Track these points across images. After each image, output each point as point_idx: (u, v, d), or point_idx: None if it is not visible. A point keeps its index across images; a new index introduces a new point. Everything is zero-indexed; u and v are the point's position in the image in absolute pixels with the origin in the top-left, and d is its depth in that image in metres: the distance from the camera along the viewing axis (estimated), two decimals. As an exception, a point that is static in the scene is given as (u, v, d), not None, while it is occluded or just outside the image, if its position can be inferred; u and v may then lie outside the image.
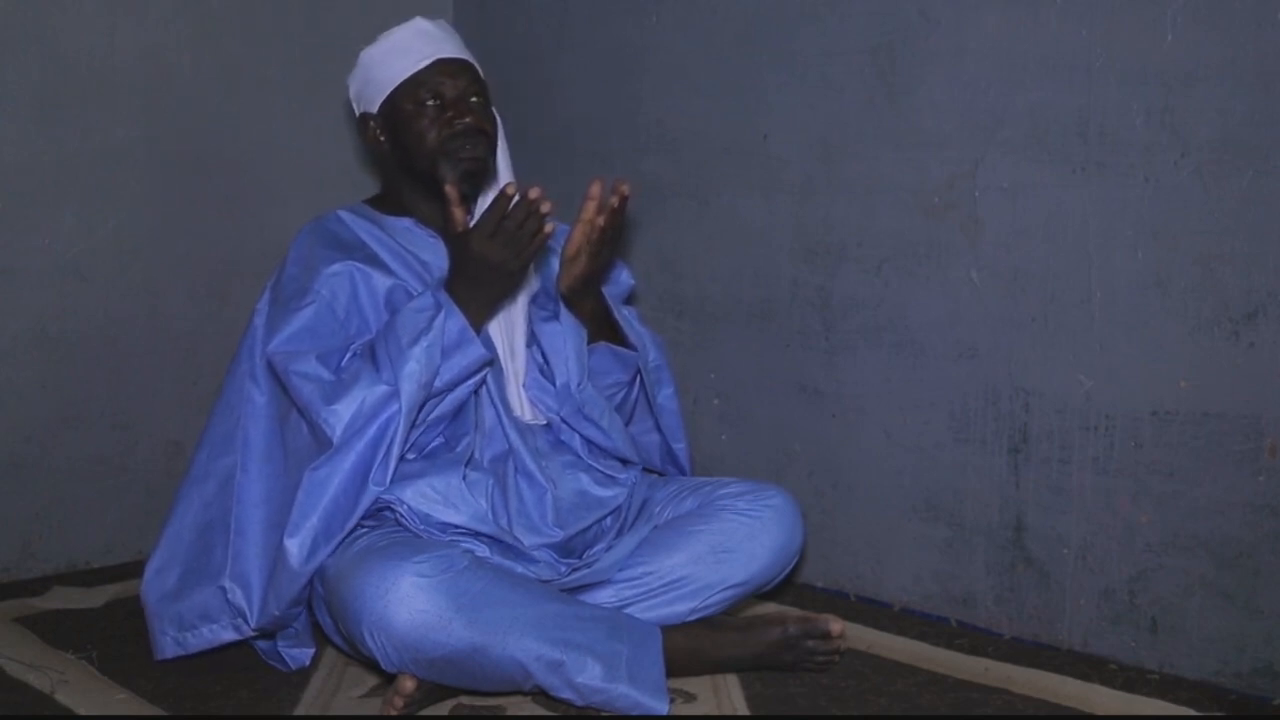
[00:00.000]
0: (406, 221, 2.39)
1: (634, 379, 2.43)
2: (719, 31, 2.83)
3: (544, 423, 2.37)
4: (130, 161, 2.92)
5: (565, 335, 2.32)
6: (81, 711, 2.10)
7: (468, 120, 2.30)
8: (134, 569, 2.87)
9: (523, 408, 2.34)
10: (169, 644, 2.27)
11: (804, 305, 2.71)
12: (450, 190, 2.16)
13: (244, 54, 3.08)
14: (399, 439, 2.09)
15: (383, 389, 2.09)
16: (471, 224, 2.15)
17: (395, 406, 2.08)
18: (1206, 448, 2.17)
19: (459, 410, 2.23)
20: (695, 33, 2.88)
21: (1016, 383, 2.39)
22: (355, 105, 2.43)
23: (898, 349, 2.57)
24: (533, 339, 2.37)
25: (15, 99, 2.77)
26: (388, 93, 2.34)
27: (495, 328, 2.30)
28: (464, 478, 2.20)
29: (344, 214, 2.39)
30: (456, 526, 2.17)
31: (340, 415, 2.09)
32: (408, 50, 2.34)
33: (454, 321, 2.12)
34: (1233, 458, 2.14)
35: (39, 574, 2.83)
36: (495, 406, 2.30)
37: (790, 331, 2.74)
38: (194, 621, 2.26)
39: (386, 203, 2.43)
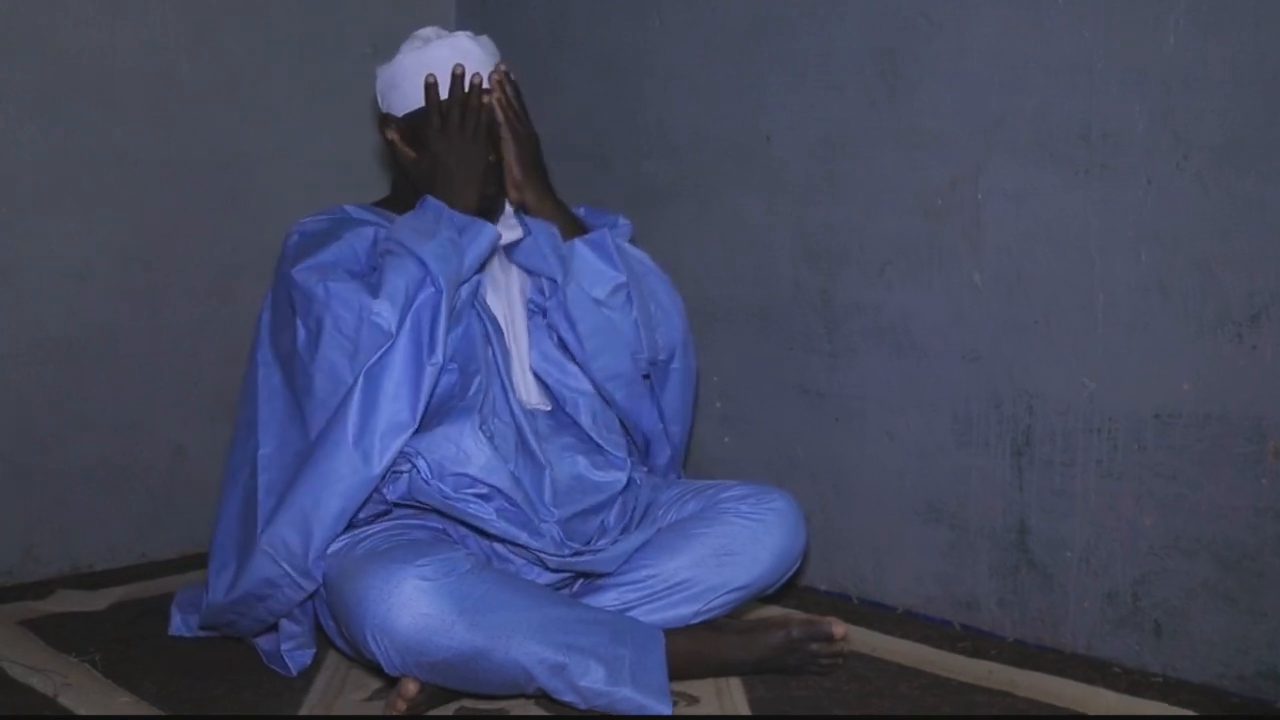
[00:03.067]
0: None
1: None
2: (720, 33, 2.83)
3: (547, 409, 2.37)
4: (131, 164, 2.92)
5: (537, 236, 2.33)
6: (84, 714, 2.10)
7: (490, 158, 2.33)
8: (137, 572, 2.88)
9: (527, 391, 2.34)
10: (263, 614, 2.22)
11: (806, 308, 2.71)
12: (394, 138, 2.34)
13: (244, 56, 3.08)
14: (444, 314, 2.12)
15: (416, 269, 2.12)
16: None
17: (431, 286, 2.12)
18: (1210, 451, 2.17)
19: (465, 341, 2.25)
20: (696, 34, 2.87)
21: (1019, 386, 2.39)
22: (380, 99, 2.41)
23: (900, 352, 2.56)
24: (533, 316, 2.39)
25: (16, 102, 2.77)
26: (413, 108, 2.33)
27: (495, 306, 2.32)
28: (481, 426, 2.19)
29: (349, 207, 2.39)
30: (468, 477, 2.15)
31: (393, 300, 2.11)
32: (443, 68, 2.30)
33: (452, 211, 2.22)
34: (1236, 461, 2.14)
35: (42, 577, 2.83)
36: (501, 379, 2.30)
37: (792, 334, 2.74)
38: (264, 593, 2.18)
39: (394, 204, 2.43)
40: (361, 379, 2.09)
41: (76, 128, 2.85)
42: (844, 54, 2.61)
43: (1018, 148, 2.36)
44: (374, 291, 2.12)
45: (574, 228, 2.39)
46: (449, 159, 2.28)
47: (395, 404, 2.10)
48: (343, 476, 2.09)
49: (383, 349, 2.10)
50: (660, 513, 2.37)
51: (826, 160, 2.66)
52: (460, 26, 3.32)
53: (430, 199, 2.24)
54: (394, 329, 2.10)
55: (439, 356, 2.12)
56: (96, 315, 2.89)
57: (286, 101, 3.15)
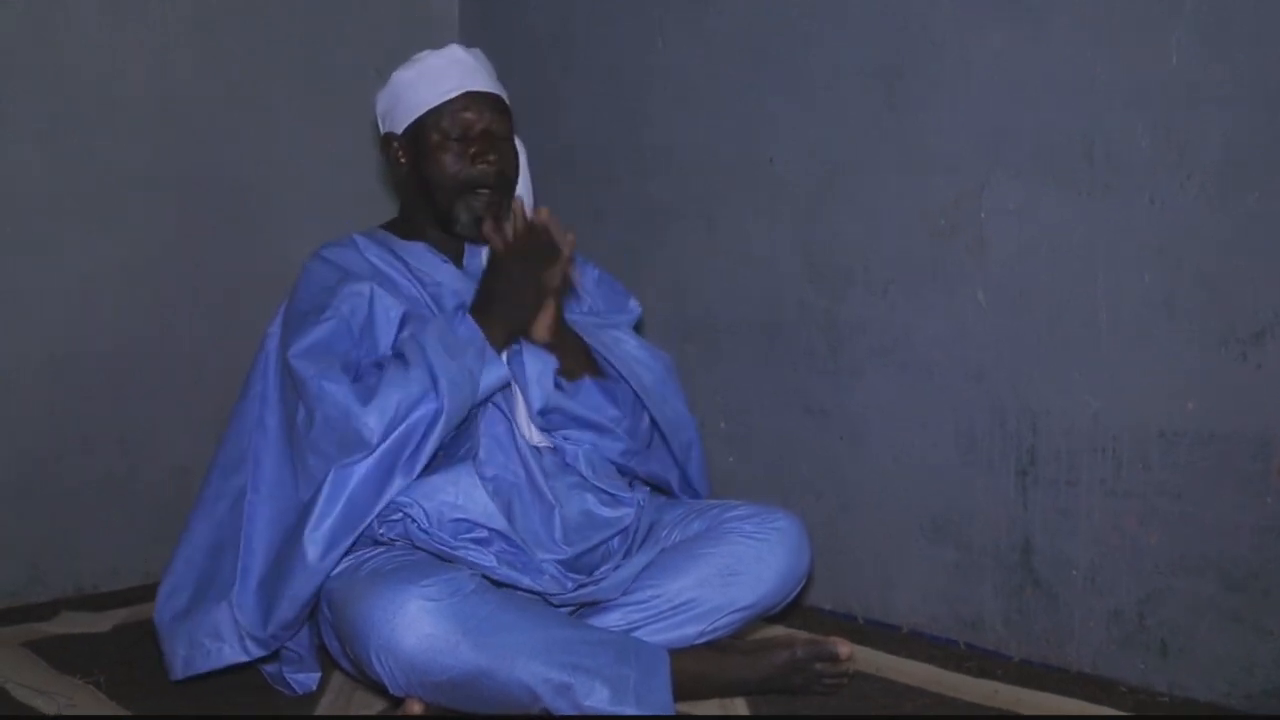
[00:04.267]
0: (419, 246, 2.40)
1: (637, 413, 2.43)
2: (724, 54, 2.83)
3: (551, 446, 2.37)
4: (136, 184, 2.92)
5: (526, 361, 2.31)
6: (89, 736, 2.11)
7: (490, 159, 2.34)
8: (142, 593, 2.87)
9: (531, 432, 2.34)
10: (179, 664, 2.26)
11: (810, 327, 2.71)
12: (487, 228, 2.26)
13: (249, 76, 3.09)
14: (435, 436, 2.12)
15: (417, 389, 2.12)
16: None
17: (433, 405, 2.11)
18: (1214, 469, 2.17)
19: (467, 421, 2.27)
20: (700, 55, 2.88)
21: (1024, 404, 2.39)
22: (381, 123, 2.44)
23: (904, 370, 2.56)
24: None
25: (22, 122, 2.78)
26: (414, 119, 2.36)
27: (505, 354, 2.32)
28: (477, 473, 2.22)
29: (359, 238, 2.40)
30: (468, 522, 2.16)
31: (382, 413, 2.10)
32: (439, 78, 2.35)
33: (484, 343, 2.18)
34: (1241, 478, 2.14)
35: (47, 598, 2.83)
36: (509, 421, 2.30)
37: (797, 353, 2.74)
38: (203, 640, 2.22)
39: (401, 226, 2.45)
40: (332, 475, 2.10)
41: (81, 147, 2.86)
42: (847, 73, 2.62)
43: (1021, 165, 2.37)
44: (365, 398, 2.12)
45: (581, 360, 2.38)
46: (505, 294, 2.23)
47: (351, 506, 2.10)
48: (294, 561, 2.11)
49: (359, 456, 2.10)
50: (664, 533, 2.36)
51: (830, 179, 2.66)
52: (464, 45, 3.32)
53: (469, 320, 2.20)
54: (375, 442, 2.10)
55: (415, 473, 2.12)
56: (102, 336, 2.90)
57: (292, 122, 3.16)
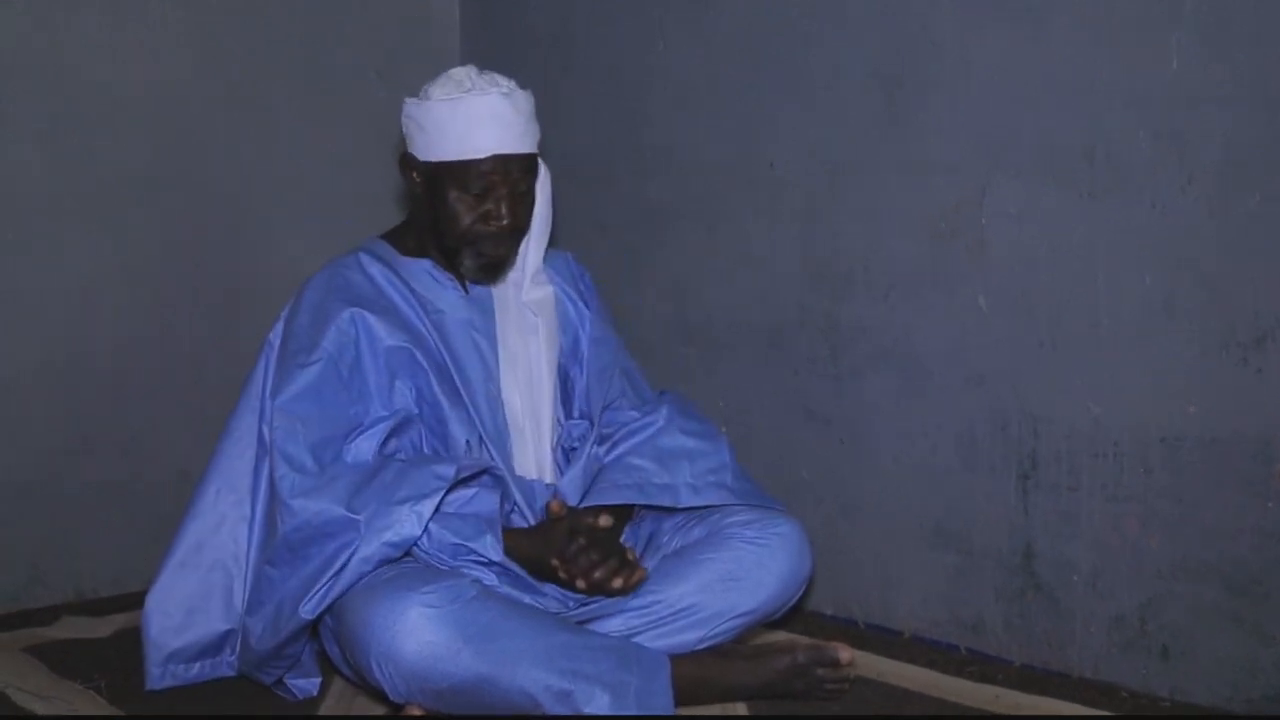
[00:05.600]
0: (425, 263, 2.39)
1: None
2: (724, 54, 2.83)
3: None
4: (136, 184, 2.92)
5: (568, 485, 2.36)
6: (89, 743, 2.11)
7: (505, 223, 2.30)
8: (142, 599, 2.86)
9: (541, 469, 2.35)
10: (161, 675, 2.30)
11: (811, 331, 2.70)
12: (555, 507, 2.26)
13: (249, 76, 3.08)
14: (348, 575, 2.07)
15: (342, 514, 2.09)
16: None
17: (353, 535, 2.07)
18: (1215, 473, 2.16)
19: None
20: (700, 55, 2.87)
21: (1025, 408, 2.39)
22: (404, 130, 2.36)
23: (905, 374, 2.56)
24: (567, 397, 2.44)
25: (22, 122, 2.77)
26: (437, 159, 2.29)
27: (514, 385, 2.33)
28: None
29: (363, 255, 2.38)
30: (468, 547, 2.16)
31: (295, 514, 2.11)
32: (472, 130, 2.26)
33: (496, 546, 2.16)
34: (1242, 483, 2.14)
35: (47, 603, 2.82)
36: (508, 482, 2.32)
37: (798, 357, 2.73)
38: (194, 655, 2.31)
39: (406, 239, 2.42)
40: (263, 572, 2.16)
41: (81, 147, 2.85)
42: (847, 73, 2.61)
43: (1022, 169, 2.36)
44: (299, 491, 2.12)
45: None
46: (553, 566, 2.20)
47: (279, 611, 2.12)
48: (243, 633, 2.24)
49: (280, 553, 2.12)
50: (664, 539, 2.37)
51: (831, 183, 2.65)
52: (465, 48, 3.33)
53: (503, 541, 2.18)
54: (281, 532, 2.12)
55: (314, 612, 2.09)
56: (102, 340, 2.89)
57: (291, 119, 3.15)
